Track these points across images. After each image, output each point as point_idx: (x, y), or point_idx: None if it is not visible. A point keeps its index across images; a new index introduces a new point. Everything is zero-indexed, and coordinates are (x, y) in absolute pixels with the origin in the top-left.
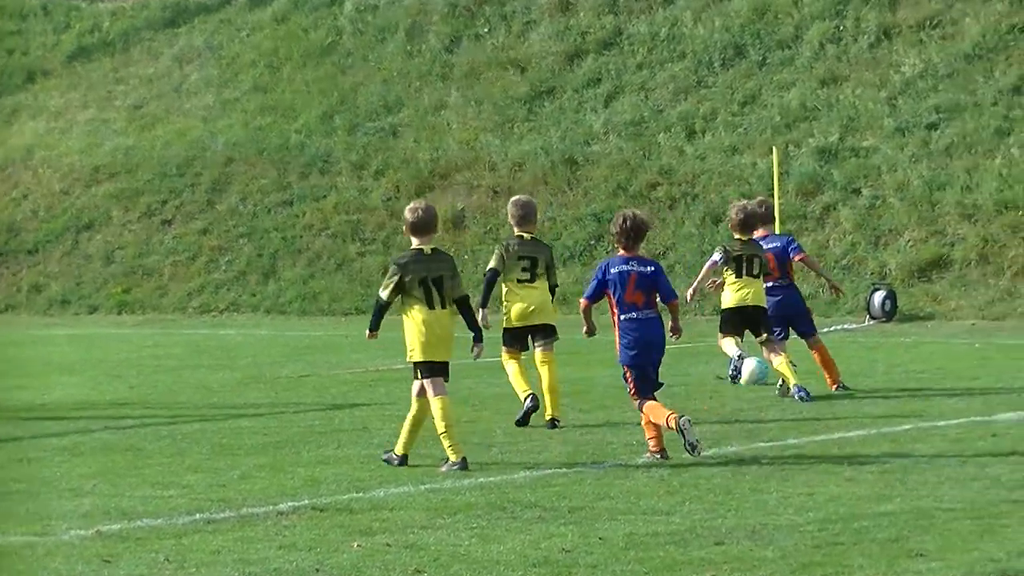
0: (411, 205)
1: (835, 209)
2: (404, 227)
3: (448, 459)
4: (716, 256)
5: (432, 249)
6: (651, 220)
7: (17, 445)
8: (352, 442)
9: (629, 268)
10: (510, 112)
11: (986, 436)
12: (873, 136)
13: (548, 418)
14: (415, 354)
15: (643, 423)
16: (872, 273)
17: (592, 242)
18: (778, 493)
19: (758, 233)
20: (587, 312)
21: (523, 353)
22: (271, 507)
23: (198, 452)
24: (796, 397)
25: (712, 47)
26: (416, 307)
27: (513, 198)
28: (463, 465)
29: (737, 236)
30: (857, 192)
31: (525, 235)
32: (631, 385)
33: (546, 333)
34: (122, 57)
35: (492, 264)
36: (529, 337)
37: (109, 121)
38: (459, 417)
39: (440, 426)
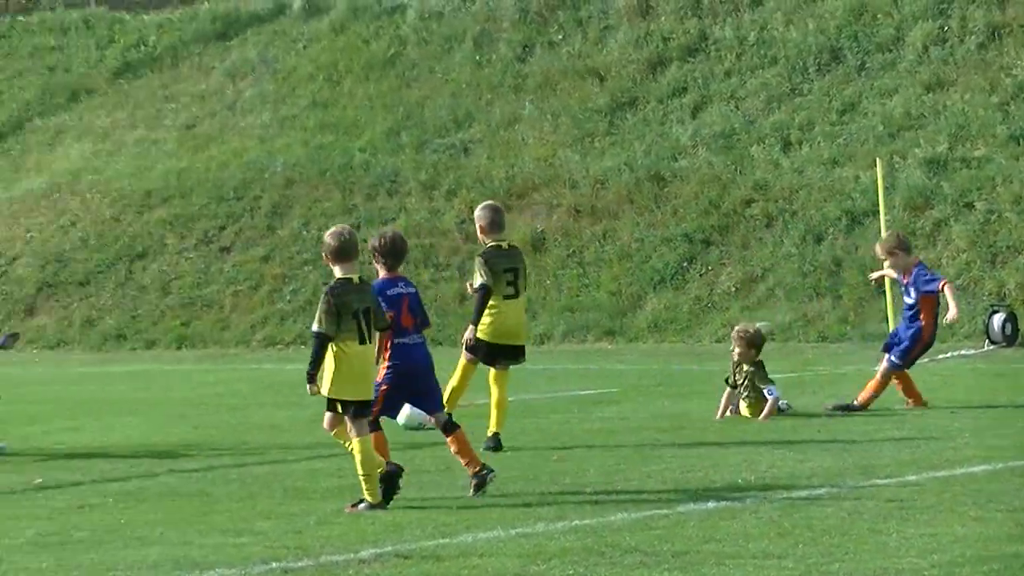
0: (332, 229)
1: (947, 225)
2: (324, 254)
3: (364, 500)
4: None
5: (359, 278)
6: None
7: (77, 490)
8: (436, 484)
9: (400, 291)
10: (589, 125)
11: None
12: (985, 145)
13: (491, 434)
14: (342, 392)
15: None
16: (990, 294)
17: (684, 264)
18: (898, 534)
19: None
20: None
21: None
22: (352, 555)
23: (270, 496)
24: None
25: (806, 51)
26: (347, 341)
27: (482, 204)
28: (383, 506)
29: None
30: (970, 206)
31: (502, 244)
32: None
33: (519, 354)
34: (171, 73)
35: (483, 280)
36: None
37: (159, 142)
38: (549, 455)
39: (361, 469)
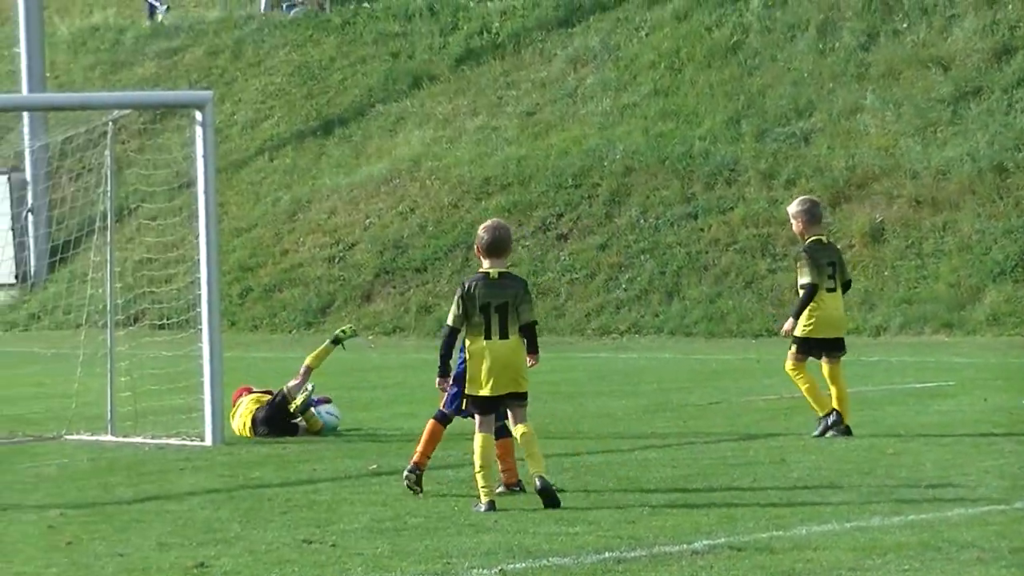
0: (487, 223)
1: None
2: (477, 247)
3: (479, 499)
4: None
5: (498, 273)
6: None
7: None
8: (769, 475)
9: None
10: (932, 115)
11: None
12: None
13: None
14: (469, 387)
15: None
16: None
17: None
18: None
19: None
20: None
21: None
22: (685, 546)
23: (603, 485)
24: None
25: None
26: (473, 336)
27: (798, 199)
28: (490, 507)
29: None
30: None
31: (822, 238)
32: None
33: (841, 346)
34: (513, 60)
35: (809, 278)
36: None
37: (499, 129)
38: (884, 449)
39: (477, 463)
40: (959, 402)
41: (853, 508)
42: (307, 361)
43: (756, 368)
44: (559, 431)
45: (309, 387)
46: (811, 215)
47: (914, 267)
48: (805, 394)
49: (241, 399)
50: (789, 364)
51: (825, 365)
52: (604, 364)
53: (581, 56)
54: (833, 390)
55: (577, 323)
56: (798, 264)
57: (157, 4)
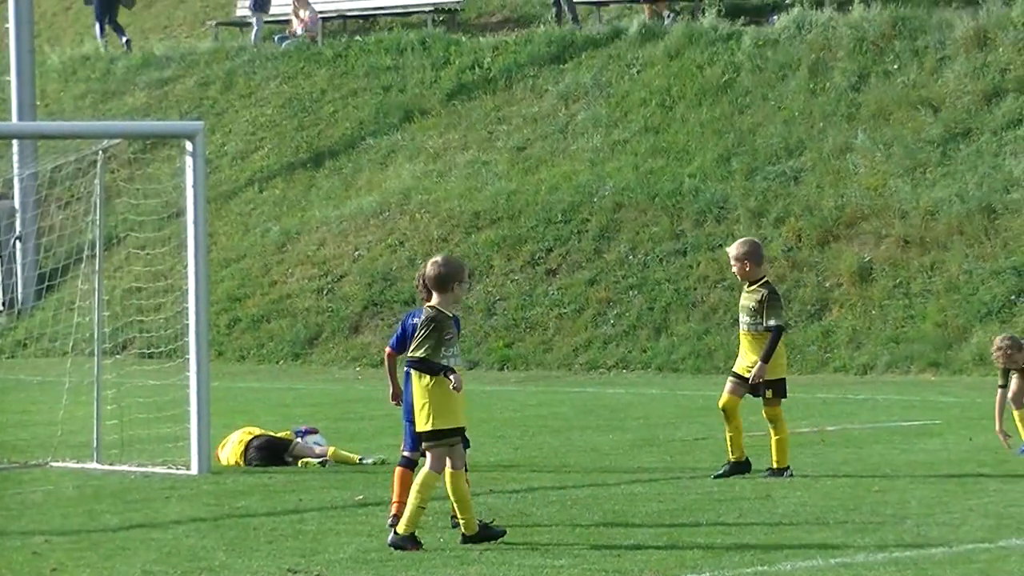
0: (434, 259)
1: None
2: (424, 282)
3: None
4: None
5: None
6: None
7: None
8: (755, 511)
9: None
10: (922, 156)
11: None
12: None
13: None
14: (447, 421)
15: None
16: None
17: (1012, 297)
18: None
19: None
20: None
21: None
22: None
23: (590, 519)
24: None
25: None
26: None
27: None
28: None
29: None
30: None
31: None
32: None
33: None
34: (504, 95)
35: (779, 321)
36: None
37: (490, 163)
38: (870, 487)
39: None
40: (945, 441)
41: (838, 545)
42: (330, 451)
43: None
44: (546, 464)
45: (317, 449)
46: (760, 256)
47: (902, 306)
48: (735, 435)
49: (232, 435)
50: (774, 411)
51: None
52: (591, 399)
53: (572, 92)
54: (776, 431)
55: (565, 358)
56: (770, 303)
57: (123, 35)
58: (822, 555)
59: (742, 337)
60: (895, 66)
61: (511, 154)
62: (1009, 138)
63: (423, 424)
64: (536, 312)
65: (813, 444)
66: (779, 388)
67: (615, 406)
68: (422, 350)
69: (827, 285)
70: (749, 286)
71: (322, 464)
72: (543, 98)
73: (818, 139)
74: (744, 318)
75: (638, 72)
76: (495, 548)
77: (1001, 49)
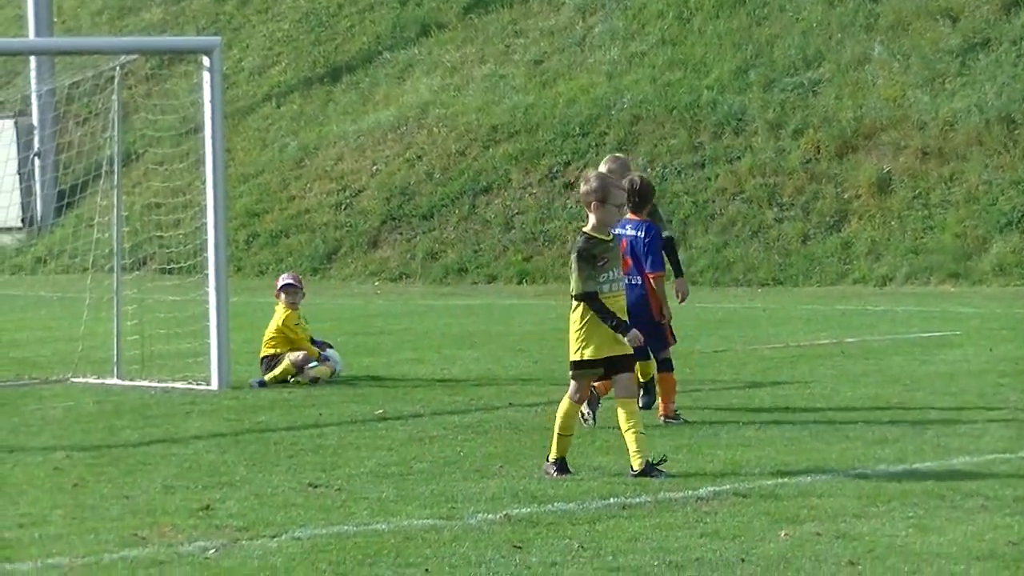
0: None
1: None
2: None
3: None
4: None
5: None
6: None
7: (418, 422)
8: (774, 423)
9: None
10: (940, 66)
11: None
12: None
13: None
14: (595, 352)
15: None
16: None
17: None
18: None
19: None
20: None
21: None
22: (690, 492)
23: (609, 431)
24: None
25: None
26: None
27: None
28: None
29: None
30: None
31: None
32: None
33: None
34: (521, 8)
35: None
36: None
37: (507, 77)
38: (890, 398)
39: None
40: (965, 352)
41: (858, 456)
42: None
43: (761, 317)
44: (565, 378)
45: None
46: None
47: (921, 217)
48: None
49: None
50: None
51: None
52: None
53: (589, 5)
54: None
55: None
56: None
57: None
58: (841, 466)
59: None
60: None
61: (528, 67)
62: None
63: (573, 353)
64: (554, 225)
65: (833, 356)
66: None
67: None
68: (585, 283)
69: (846, 197)
70: None
71: (312, 382)
72: (560, 11)
73: (836, 50)
74: None
75: None
76: (515, 461)
77: None
